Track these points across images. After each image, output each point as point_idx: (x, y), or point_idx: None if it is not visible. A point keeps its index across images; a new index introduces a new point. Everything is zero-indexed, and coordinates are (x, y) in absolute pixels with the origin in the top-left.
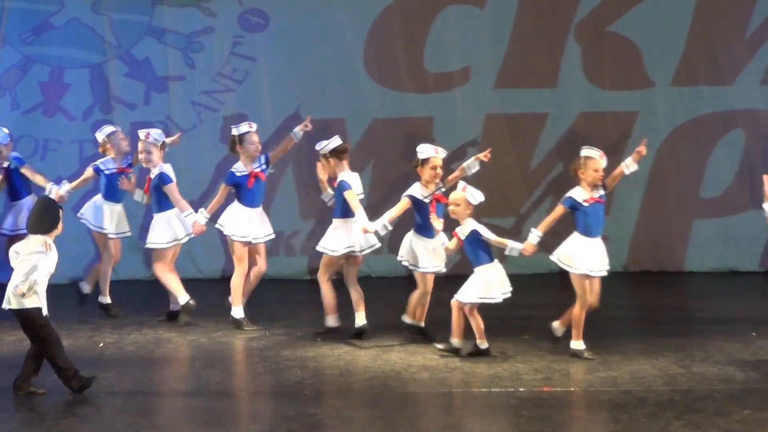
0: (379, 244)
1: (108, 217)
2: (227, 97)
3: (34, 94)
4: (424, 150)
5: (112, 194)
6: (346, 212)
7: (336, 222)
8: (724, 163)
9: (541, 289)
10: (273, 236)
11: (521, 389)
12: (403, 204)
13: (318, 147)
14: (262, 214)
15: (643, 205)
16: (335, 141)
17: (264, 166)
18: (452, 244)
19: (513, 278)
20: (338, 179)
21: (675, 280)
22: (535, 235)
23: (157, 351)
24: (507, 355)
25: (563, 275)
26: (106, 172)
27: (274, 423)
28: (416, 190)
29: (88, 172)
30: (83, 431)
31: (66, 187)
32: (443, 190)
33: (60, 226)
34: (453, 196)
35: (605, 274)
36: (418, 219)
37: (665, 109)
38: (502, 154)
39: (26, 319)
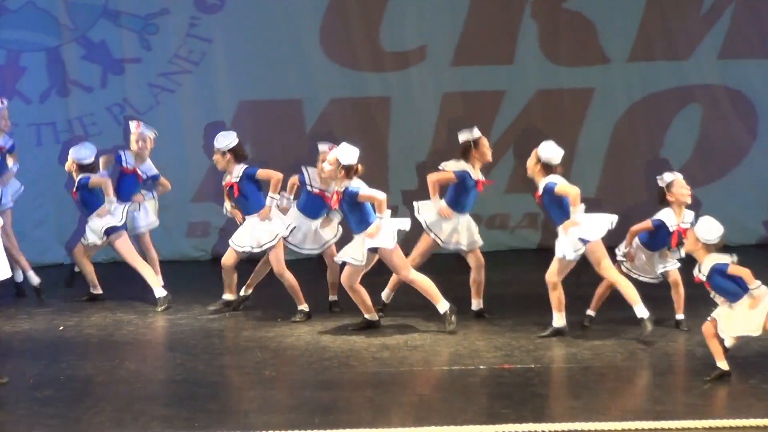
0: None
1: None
2: (184, 78)
3: None
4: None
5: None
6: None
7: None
8: (681, 139)
9: (500, 266)
10: None
11: (481, 367)
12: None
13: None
14: None
15: (601, 182)
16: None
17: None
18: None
19: None
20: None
21: None
22: None
23: (118, 334)
24: (467, 333)
25: (520, 253)
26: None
27: (234, 404)
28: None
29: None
30: (44, 415)
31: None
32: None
33: None
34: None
35: None
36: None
37: (622, 85)
38: None
39: None
